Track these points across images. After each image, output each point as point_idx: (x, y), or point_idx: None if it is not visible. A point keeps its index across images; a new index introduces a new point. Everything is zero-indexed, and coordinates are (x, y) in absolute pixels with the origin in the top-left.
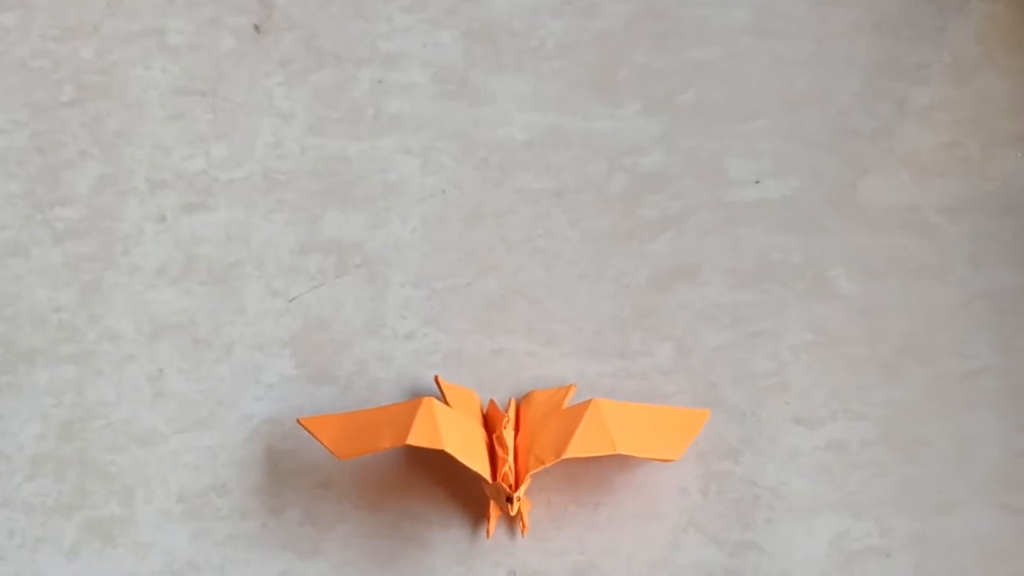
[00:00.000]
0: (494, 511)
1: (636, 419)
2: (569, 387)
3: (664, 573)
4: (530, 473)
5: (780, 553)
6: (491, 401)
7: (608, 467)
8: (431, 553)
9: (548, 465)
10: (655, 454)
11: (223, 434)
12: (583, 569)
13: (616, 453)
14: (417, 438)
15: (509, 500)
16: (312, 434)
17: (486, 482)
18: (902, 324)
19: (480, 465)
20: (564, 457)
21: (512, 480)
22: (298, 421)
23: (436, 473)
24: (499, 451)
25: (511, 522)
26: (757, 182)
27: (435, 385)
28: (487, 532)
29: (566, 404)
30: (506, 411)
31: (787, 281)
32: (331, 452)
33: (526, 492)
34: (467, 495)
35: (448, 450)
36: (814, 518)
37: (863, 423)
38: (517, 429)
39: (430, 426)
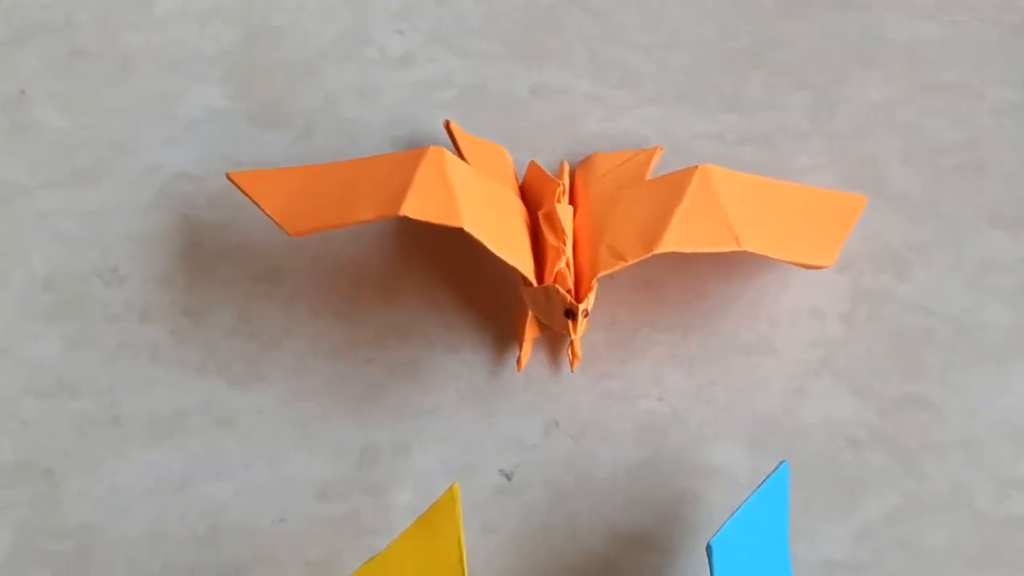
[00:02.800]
0: (531, 329)
1: (764, 200)
2: (653, 150)
3: (779, 435)
4: (599, 275)
5: (958, 413)
6: (531, 164)
7: (704, 274)
8: (429, 387)
9: (631, 263)
10: (795, 255)
11: (116, 192)
12: (661, 423)
13: (738, 250)
14: (417, 208)
15: (570, 315)
16: (251, 197)
17: (528, 285)
18: None
19: (518, 256)
20: (658, 251)
21: (571, 283)
22: (229, 177)
23: (442, 267)
24: (549, 237)
25: (555, 349)
26: None
27: (445, 135)
28: (518, 362)
29: (650, 174)
30: (558, 178)
31: (986, 11)
32: (279, 226)
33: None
34: (488, 303)
35: (468, 229)
36: (1014, 364)
37: None
38: (574, 207)
39: (439, 190)
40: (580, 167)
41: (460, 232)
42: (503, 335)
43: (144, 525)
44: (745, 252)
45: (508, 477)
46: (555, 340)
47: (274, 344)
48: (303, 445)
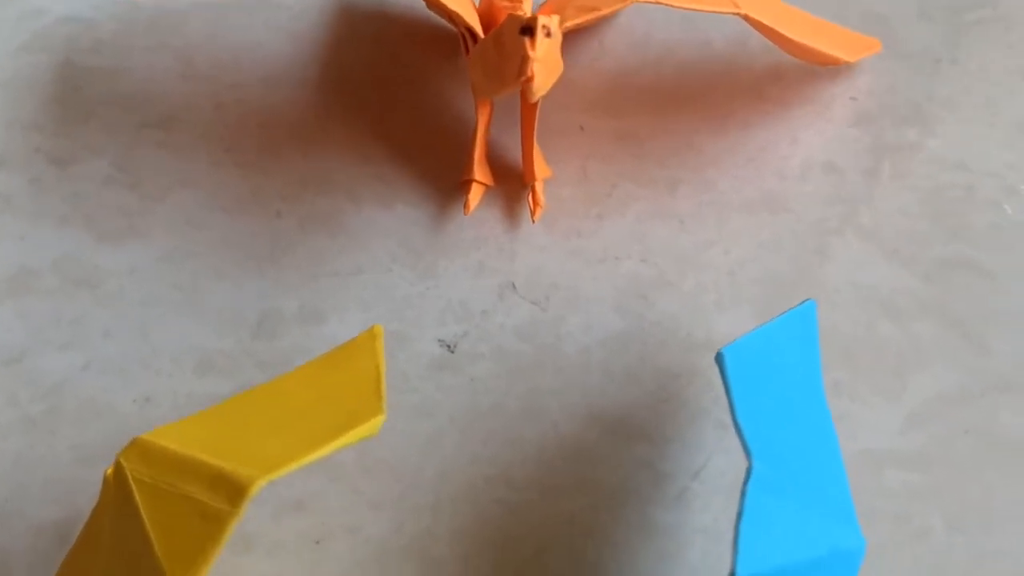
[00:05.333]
0: (480, 167)
1: (777, 3)
2: None
3: (796, 302)
4: (568, 23)
5: (1018, 278)
6: None
7: (692, 126)
8: (352, 244)
9: (605, 13)
10: (806, 38)
11: None
12: (646, 287)
13: (736, 13)
14: None
15: (527, 32)
16: None
17: (471, 47)
18: None
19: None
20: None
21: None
22: None
23: (372, 118)
24: (502, 2)
25: (512, 203)
26: None
27: None
28: (465, 205)
29: None
30: None
31: None
32: None
33: (542, 183)
34: (430, 156)
35: None
36: None
37: None
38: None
39: None
40: None
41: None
42: (447, 189)
43: None
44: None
45: (450, 348)
46: (512, 192)
47: (160, 196)
48: (184, 311)
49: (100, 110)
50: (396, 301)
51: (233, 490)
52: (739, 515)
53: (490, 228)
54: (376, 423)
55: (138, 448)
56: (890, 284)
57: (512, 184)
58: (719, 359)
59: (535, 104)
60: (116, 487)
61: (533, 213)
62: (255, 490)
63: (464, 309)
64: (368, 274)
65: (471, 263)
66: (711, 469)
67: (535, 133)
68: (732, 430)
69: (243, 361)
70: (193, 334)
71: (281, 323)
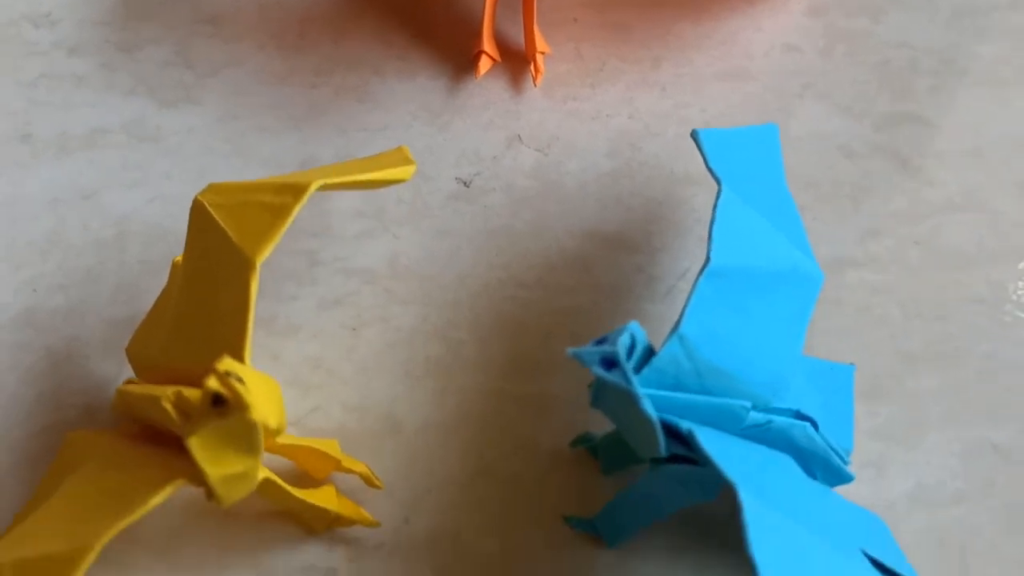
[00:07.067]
0: (488, 41)
1: None
2: None
3: None
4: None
5: (958, 127)
6: None
7: (673, 16)
8: (378, 107)
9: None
10: None
11: None
12: (634, 138)
13: None
14: None
15: None
16: None
17: None
18: None
19: None
20: None
21: None
22: None
23: (397, 12)
24: None
25: (517, 73)
26: None
27: None
28: (476, 71)
29: None
30: None
31: None
32: None
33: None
34: (445, 40)
35: None
36: (1010, 89)
37: None
38: None
39: None
40: None
41: None
42: (462, 65)
43: (41, 232)
44: None
45: (466, 184)
46: (516, 68)
47: (212, 73)
48: (234, 159)
49: (158, 10)
50: (417, 149)
51: (296, 189)
52: (712, 221)
53: (497, 94)
54: (410, 170)
55: (213, 188)
56: (845, 133)
57: (516, 62)
58: (694, 135)
59: None
60: (195, 220)
61: (535, 79)
62: (314, 188)
63: (477, 155)
64: (392, 130)
65: (482, 120)
66: (695, 271)
67: (535, 15)
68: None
69: None
70: (242, 175)
71: (318, 166)
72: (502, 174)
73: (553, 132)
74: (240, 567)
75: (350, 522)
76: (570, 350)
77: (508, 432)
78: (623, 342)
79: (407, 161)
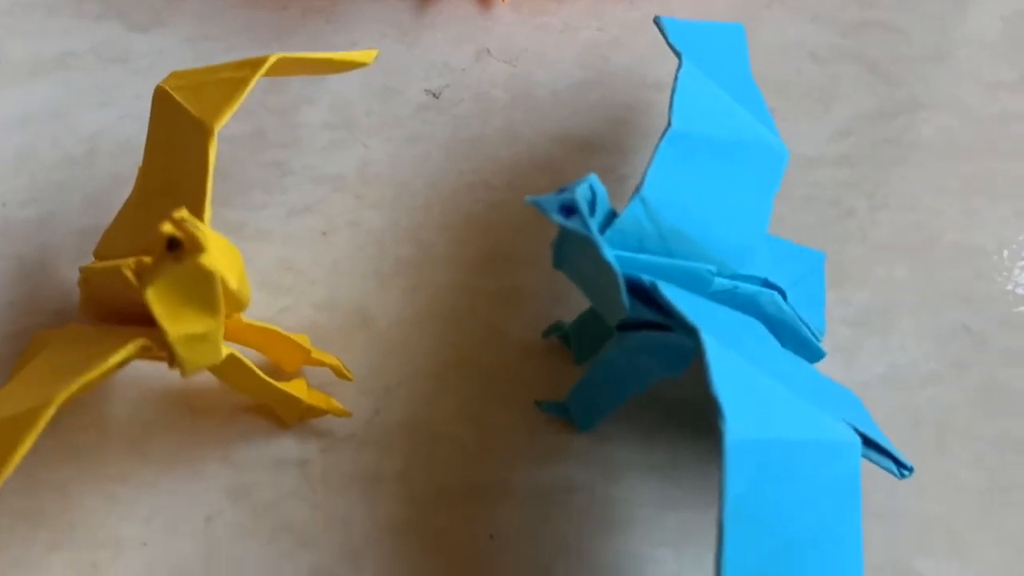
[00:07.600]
0: None
1: None
2: None
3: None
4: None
5: (924, 32)
6: None
7: None
8: (347, 26)
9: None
10: None
11: None
12: (603, 49)
13: None
14: None
15: None
16: None
17: None
18: None
19: None
20: None
21: None
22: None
23: None
24: None
25: None
26: None
27: None
28: None
29: None
30: None
31: None
32: None
33: None
34: None
35: None
36: None
37: None
38: None
39: None
40: None
41: None
42: None
43: (12, 149)
44: None
45: (435, 95)
46: None
47: None
48: None
49: None
50: (386, 63)
51: (255, 62)
52: (673, 90)
53: (466, 10)
54: (371, 54)
55: (175, 75)
56: (814, 39)
57: None
58: (657, 20)
59: None
60: (157, 107)
61: None
62: (274, 59)
63: (446, 67)
64: (361, 46)
65: (450, 36)
66: None
67: None
68: None
69: (256, 108)
70: None
71: (286, 81)
72: (472, 85)
73: (522, 45)
74: (212, 460)
75: (321, 413)
76: (529, 197)
77: (480, 325)
78: (582, 191)
79: (370, 55)
